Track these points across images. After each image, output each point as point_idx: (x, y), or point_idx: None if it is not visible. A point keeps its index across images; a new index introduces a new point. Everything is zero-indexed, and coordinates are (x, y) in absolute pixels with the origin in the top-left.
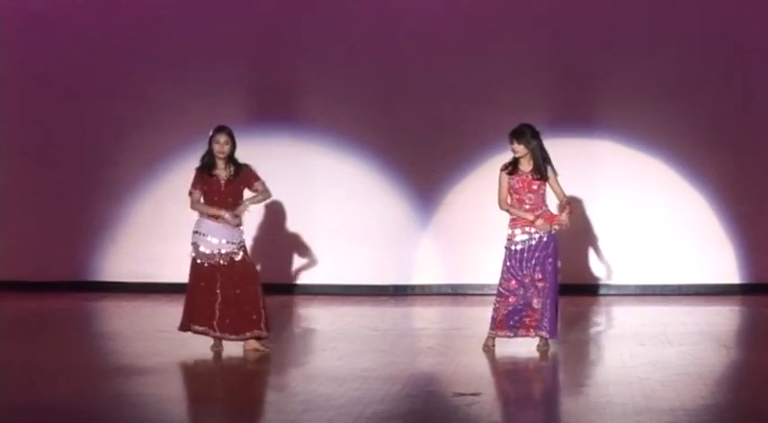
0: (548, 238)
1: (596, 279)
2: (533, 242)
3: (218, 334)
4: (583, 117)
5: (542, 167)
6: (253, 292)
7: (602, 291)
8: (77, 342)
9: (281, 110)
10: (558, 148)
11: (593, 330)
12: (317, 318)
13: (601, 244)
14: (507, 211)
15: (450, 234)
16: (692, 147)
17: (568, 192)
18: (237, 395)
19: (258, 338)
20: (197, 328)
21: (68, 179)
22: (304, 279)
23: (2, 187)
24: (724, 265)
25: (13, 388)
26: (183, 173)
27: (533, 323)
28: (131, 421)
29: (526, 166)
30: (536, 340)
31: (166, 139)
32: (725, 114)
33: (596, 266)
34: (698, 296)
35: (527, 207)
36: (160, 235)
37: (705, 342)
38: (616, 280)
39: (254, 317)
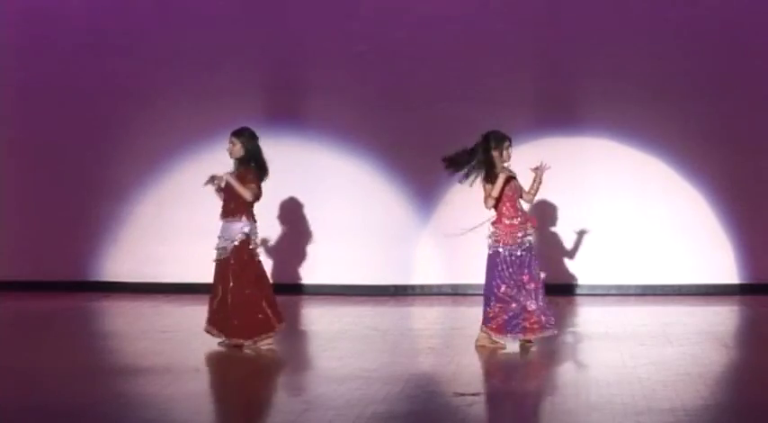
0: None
1: (595, 279)
2: (525, 246)
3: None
4: (583, 116)
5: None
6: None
7: (601, 291)
8: (78, 342)
9: (282, 110)
10: (559, 147)
11: (593, 330)
12: (317, 318)
13: (600, 244)
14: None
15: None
16: (691, 146)
17: (568, 191)
18: (238, 395)
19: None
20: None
21: (69, 179)
22: (304, 279)
23: (2, 187)
24: (723, 266)
25: (13, 388)
26: (185, 173)
27: (536, 326)
28: (132, 421)
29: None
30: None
31: (168, 140)
32: (725, 114)
33: (596, 267)
34: (698, 296)
35: (519, 214)
36: (161, 235)
37: (705, 342)
38: (616, 280)
39: (235, 322)
